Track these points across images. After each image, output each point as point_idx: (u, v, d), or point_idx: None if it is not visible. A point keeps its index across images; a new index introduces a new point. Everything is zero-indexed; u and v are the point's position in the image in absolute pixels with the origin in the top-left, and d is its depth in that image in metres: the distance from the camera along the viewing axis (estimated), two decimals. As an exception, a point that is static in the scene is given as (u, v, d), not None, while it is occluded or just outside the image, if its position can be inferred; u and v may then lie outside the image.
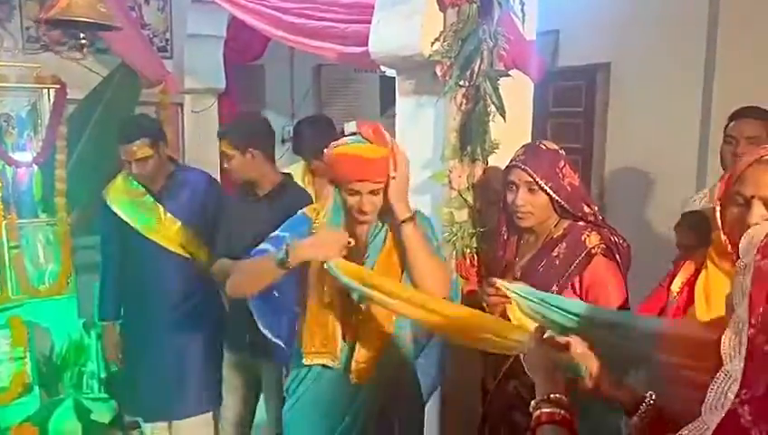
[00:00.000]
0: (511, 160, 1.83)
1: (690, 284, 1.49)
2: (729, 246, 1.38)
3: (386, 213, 1.78)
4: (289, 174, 2.79)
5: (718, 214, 1.41)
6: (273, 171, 2.65)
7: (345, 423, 1.85)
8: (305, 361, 1.85)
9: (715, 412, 0.79)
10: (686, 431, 0.83)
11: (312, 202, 2.63)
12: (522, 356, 1.27)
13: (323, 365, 1.84)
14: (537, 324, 1.38)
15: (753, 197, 1.33)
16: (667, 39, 3.71)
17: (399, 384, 1.91)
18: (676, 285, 1.52)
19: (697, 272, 1.48)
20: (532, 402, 1.13)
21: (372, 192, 1.73)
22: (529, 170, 1.77)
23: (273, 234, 1.86)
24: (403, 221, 1.72)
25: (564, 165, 1.80)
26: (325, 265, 1.66)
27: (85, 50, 3.82)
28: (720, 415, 0.77)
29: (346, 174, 1.73)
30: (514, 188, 1.81)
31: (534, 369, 1.20)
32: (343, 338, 1.83)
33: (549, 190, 1.76)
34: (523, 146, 1.86)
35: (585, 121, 4.31)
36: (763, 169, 1.34)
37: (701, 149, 3.66)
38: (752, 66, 3.40)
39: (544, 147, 1.83)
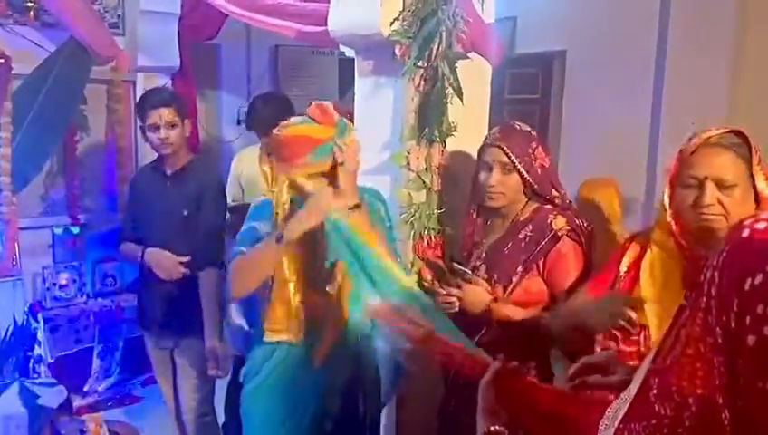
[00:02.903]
0: (485, 139, 1.84)
1: (636, 264, 1.53)
2: (673, 226, 1.42)
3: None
4: (198, 155, 2.79)
5: (667, 196, 1.45)
6: (187, 148, 2.64)
7: (310, 403, 1.85)
8: (266, 337, 1.83)
9: (636, 380, 0.79)
10: (616, 402, 0.84)
11: (220, 181, 2.68)
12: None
13: (287, 344, 1.83)
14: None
15: (706, 178, 1.37)
16: (622, 27, 3.78)
17: (362, 362, 1.91)
18: (624, 264, 1.57)
19: (643, 252, 1.53)
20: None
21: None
22: (506, 149, 1.77)
23: (242, 230, 1.84)
24: (349, 208, 1.71)
25: (537, 146, 1.82)
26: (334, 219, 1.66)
27: (32, 13, 3.63)
28: (638, 383, 0.77)
29: (295, 156, 1.72)
30: (487, 167, 1.82)
31: (480, 401, 1.16)
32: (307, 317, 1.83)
33: (522, 171, 1.78)
34: (499, 125, 1.87)
35: (541, 108, 4.36)
36: (712, 152, 1.38)
37: (652, 136, 3.75)
38: (702, 55, 3.49)
39: (519, 127, 1.85)
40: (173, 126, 2.50)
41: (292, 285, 1.79)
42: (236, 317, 2.03)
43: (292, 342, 1.82)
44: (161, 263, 2.56)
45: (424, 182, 2.04)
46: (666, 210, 1.44)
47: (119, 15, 4.03)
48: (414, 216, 2.03)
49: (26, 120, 3.54)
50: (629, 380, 1.07)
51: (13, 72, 3.44)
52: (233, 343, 2.26)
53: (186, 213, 2.55)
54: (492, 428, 1.08)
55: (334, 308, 1.81)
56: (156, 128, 2.50)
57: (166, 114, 2.49)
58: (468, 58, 2.03)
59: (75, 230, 3.93)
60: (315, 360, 1.82)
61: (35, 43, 3.69)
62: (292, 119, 1.76)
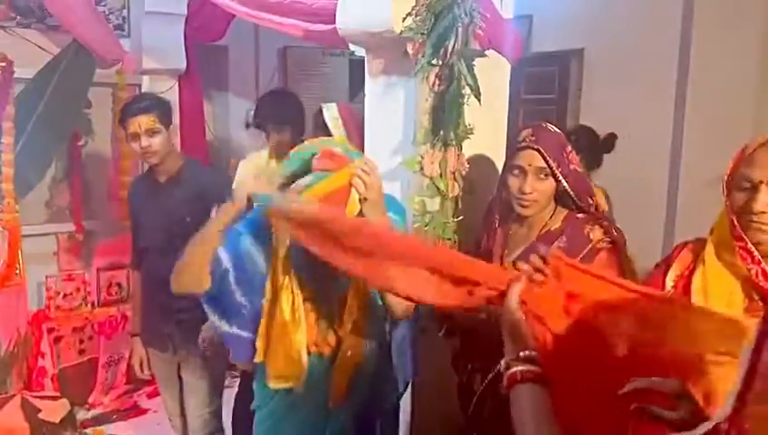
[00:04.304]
0: (518, 143, 1.69)
1: (686, 277, 1.37)
2: (737, 230, 1.26)
3: None
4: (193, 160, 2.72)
5: (724, 199, 1.29)
6: (176, 152, 2.56)
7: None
8: (269, 383, 1.68)
9: (704, 427, 0.73)
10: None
11: (222, 180, 2.57)
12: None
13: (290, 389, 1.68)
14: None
15: (761, 182, 1.22)
16: (642, 25, 3.64)
17: (380, 386, 1.79)
18: (670, 278, 1.40)
19: (693, 264, 1.37)
20: (502, 362, 1.08)
21: None
22: (544, 153, 1.63)
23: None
24: None
25: (570, 150, 1.68)
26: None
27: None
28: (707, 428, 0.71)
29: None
30: (520, 173, 1.67)
31: (504, 326, 1.14)
32: (320, 353, 1.68)
33: (560, 176, 1.64)
34: (530, 127, 1.71)
35: (558, 108, 4.23)
36: None
37: (675, 137, 3.61)
38: (729, 53, 3.35)
39: (551, 129, 1.70)
40: (154, 133, 2.39)
41: (291, 329, 1.62)
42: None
43: (294, 389, 1.67)
44: (135, 355, 2.67)
45: (438, 189, 1.92)
46: (732, 215, 1.27)
47: (123, 17, 3.94)
48: (428, 225, 1.91)
49: (29, 124, 3.47)
50: (691, 422, 0.96)
51: (15, 75, 3.37)
52: (234, 355, 2.11)
53: (189, 219, 2.44)
54: (522, 353, 1.06)
55: (342, 347, 1.67)
56: (136, 137, 2.39)
57: (145, 122, 2.38)
58: (485, 56, 1.91)
59: (80, 237, 3.84)
60: (330, 402, 1.69)
61: (39, 47, 3.62)
62: (301, 182, 1.50)
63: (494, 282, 1.21)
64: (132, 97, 2.76)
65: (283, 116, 2.80)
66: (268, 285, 1.64)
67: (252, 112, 4.55)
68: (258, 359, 1.68)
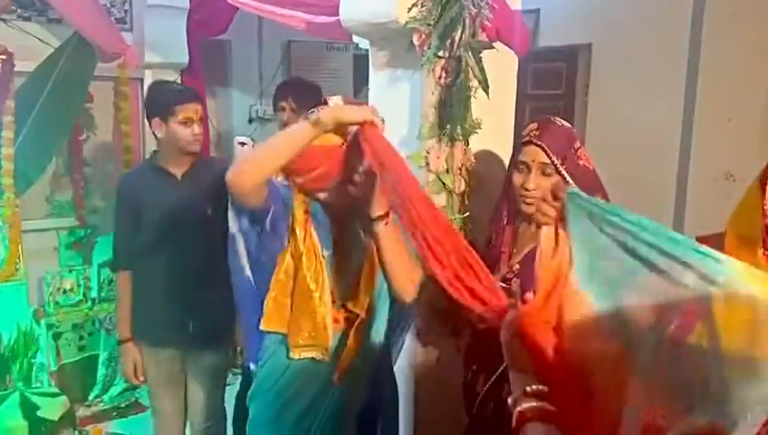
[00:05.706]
0: (522, 137, 1.64)
1: None
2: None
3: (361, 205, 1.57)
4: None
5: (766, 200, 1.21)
6: None
7: (326, 423, 1.68)
8: (292, 354, 1.65)
9: None
10: None
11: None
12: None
13: (311, 359, 1.65)
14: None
15: None
16: (651, 20, 3.59)
17: (382, 382, 1.76)
18: None
19: None
20: (509, 399, 1.03)
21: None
22: (547, 149, 1.58)
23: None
24: (378, 217, 1.53)
25: (580, 145, 1.63)
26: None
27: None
28: None
29: (312, 168, 1.51)
30: (525, 169, 1.62)
31: (510, 357, 1.09)
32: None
33: (565, 173, 1.59)
34: (536, 121, 1.66)
35: (565, 104, 4.18)
36: None
37: (684, 133, 3.56)
38: (736, 49, 3.29)
39: (559, 123, 1.65)
40: (192, 124, 2.37)
41: (317, 297, 1.60)
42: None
43: (318, 359, 1.65)
44: (128, 361, 2.49)
45: (445, 184, 1.87)
46: (765, 217, 1.21)
47: (126, 10, 3.90)
48: (434, 221, 1.85)
49: (30, 118, 3.43)
50: None
51: (16, 68, 3.33)
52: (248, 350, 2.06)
53: (210, 211, 2.39)
54: (528, 388, 1.02)
55: (355, 322, 1.66)
56: (190, 123, 2.35)
57: (199, 109, 2.38)
58: (494, 48, 1.85)
59: (81, 232, 3.81)
60: (335, 376, 1.66)
61: (39, 39, 3.57)
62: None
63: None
64: (167, 83, 2.70)
65: (304, 93, 2.81)
66: (287, 257, 1.63)
67: (256, 108, 4.54)
68: (267, 327, 1.65)
